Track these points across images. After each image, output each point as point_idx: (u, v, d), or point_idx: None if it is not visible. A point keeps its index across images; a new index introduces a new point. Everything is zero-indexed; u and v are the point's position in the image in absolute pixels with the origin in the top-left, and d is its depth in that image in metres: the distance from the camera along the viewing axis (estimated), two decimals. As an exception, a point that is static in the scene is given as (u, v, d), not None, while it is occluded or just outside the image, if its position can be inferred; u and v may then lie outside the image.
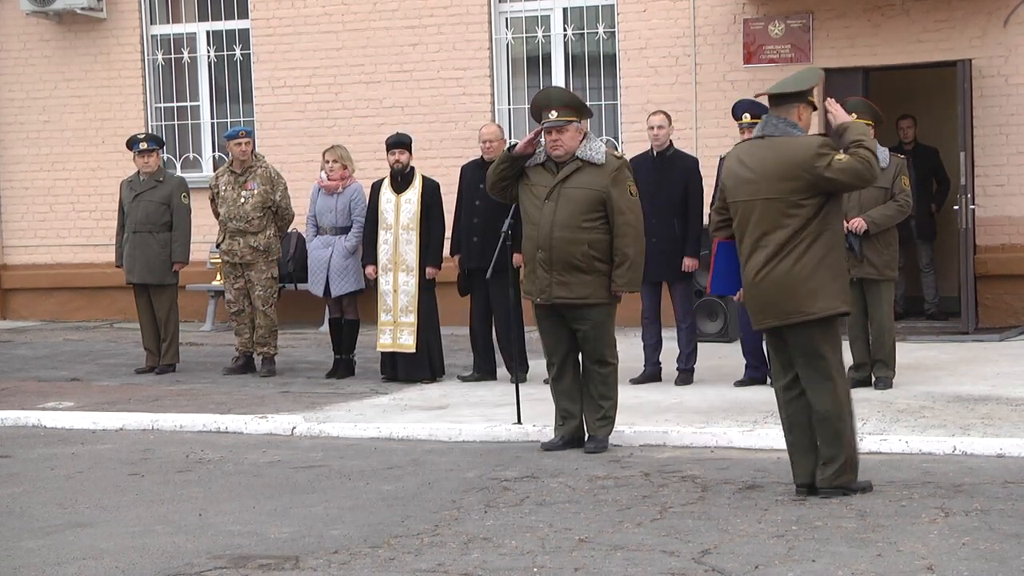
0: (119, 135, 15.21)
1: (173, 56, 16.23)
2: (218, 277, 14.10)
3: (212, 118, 16.15)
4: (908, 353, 11.40)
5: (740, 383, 10.56)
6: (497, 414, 9.64)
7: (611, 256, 8.41)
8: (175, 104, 16.24)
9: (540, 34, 14.93)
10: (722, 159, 9.80)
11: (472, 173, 11.22)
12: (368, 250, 11.40)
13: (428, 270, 11.22)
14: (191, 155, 16.23)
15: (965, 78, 13.15)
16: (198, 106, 16.20)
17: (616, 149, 13.44)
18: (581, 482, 7.66)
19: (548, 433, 8.80)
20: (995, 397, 9.70)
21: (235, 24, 15.96)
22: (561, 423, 8.64)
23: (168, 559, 6.33)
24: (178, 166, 16.09)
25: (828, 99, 7.41)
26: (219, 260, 12.53)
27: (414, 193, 11.24)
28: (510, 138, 13.26)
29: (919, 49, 13.61)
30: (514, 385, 9.48)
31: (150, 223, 12.25)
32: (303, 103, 15.58)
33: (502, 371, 11.31)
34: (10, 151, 16.75)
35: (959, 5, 13.48)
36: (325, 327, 13.33)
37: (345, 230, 11.61)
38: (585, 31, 14.83)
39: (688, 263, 10.82)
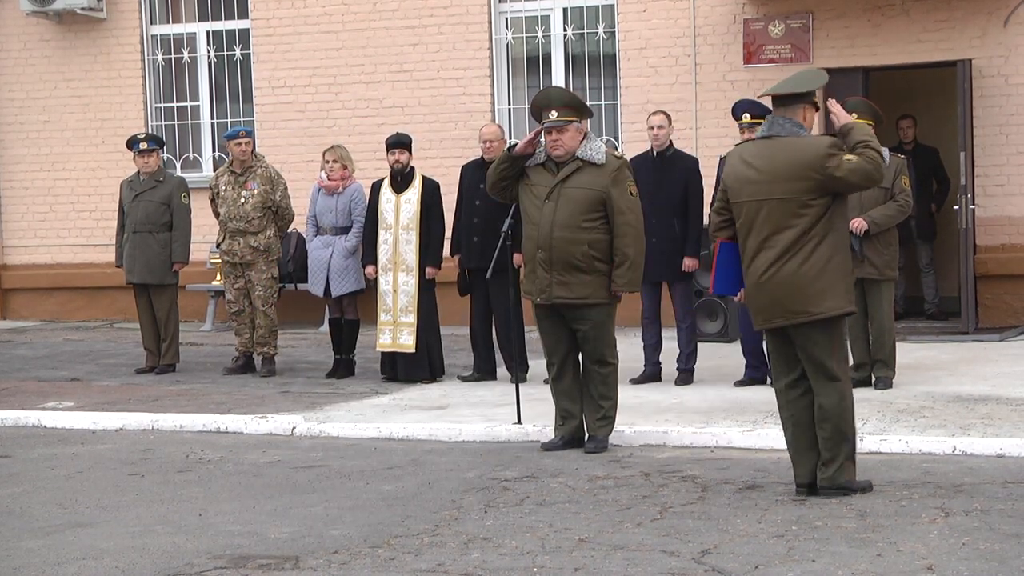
0: (119, 135, 15.21)
1: (173, 56, 16.22)
2: (218, 277, 14.09)
3: (212, 118, 16.15)
4: (908, 353, 11.40)
5: (740, 383, 10.56)
6: (497, 414, 9.64)
7: (611, 256, 8.41)
8: (175, 104, 16.24)
9: (540, 34, 14.93)
10: (722, 159, 9.80)
11: (472, 173, 11.21)
12: (368, 250, 11.40)
13: (428, 270, 11.22)
14: (191, 155, 16.23)
15: (965, 78, 13.15)
16: (198, 106, 16.20)
17: (616, 149, 13.43)
18: (581, 482, 7.66)
19: (548, 433, 8.80)
20: (995, 397, 9.70)
21: (235, 24, 15.96)
22: (561, 423, 8.64)
23: (168, 559, 6.33)
24: (178, 166, 16.09)
25: (830, 100, 7.41)
26: (219, 260, 12.53)
27: (414, 193, 11.24)
28: (510, 138, 13.25)
29: (919, 49, 13.60)
30: (514, 385, 9.48)
31: (150, 223, 12.25)
32: (303, 103, 15.57)
33: (502, 371, 11.31)
34: (10, 151, 16.75)
35: (959, 5, 13.47)
36: (325, 327, 13.33)
37: (345, 230, 11.61)
38: (585, 31, 14.83)
39: (688, 263, 10.82)
